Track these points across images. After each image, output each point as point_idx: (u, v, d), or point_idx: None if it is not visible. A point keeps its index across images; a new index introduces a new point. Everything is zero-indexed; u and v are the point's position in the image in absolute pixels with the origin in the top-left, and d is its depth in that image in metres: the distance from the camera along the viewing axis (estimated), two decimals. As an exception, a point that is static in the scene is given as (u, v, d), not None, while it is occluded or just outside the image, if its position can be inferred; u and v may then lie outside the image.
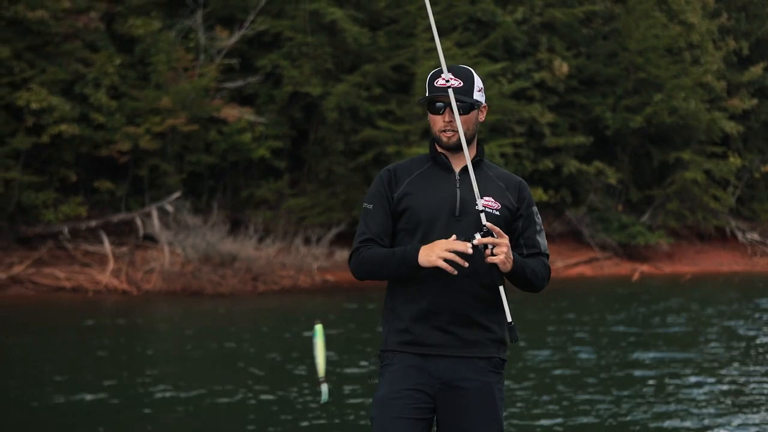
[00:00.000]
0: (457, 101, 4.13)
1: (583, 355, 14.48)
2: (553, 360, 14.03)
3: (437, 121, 4.20)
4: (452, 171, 4.23)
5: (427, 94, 4.22)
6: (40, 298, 23.93)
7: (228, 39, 29.07)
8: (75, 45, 26.86)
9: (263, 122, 28.63)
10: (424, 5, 25.13)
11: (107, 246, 26.04)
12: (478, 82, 4.21)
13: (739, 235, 37.34)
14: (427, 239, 4.09)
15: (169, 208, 26.79)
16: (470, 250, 3.95)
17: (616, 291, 26.88)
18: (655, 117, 34.82)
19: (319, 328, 4.21)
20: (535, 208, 4.29)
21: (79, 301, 23.54)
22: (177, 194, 27.15)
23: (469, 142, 4.20)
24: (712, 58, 37.18)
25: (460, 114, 4.13)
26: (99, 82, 26.77)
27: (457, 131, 4.15)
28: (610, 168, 34.83)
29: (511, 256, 4.05)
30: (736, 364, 13.55)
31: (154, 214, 26.65)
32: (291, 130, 30.03)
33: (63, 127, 25.68)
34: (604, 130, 35.26)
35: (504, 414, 4.22)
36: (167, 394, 11.52)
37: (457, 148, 4.20)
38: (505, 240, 4.02)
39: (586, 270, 32.89)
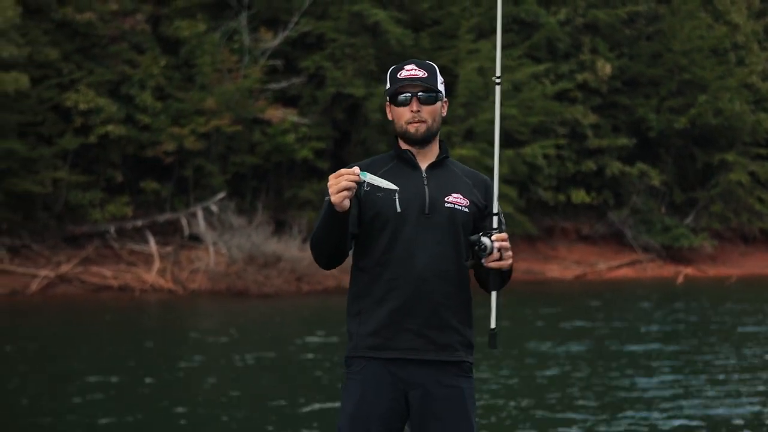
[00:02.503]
0: (423, 90, 4.07)
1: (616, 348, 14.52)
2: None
3: (403, 113, 4.07)
4: (418, 168, 4.10)
5: (388, 88, 4.12)
6: (87, 296, 24.28)
7: (272, 40, 29.31)
8: (121, 47, 27.24)
9: (306, 123, 28.82)
10: (467, 6, 24.96)
11: (153, 245, 26.37)
12: (440, 76, 4.14)
13: (784, 238, 37.03)
14: (397, 238, 3.99)
15: (214, 208, 27.06)
16: (358, 172, 3.76)
17: (666, 292, 26.79)
18: (700, 118, 34.62)
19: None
20: (500, 206, 4.15)
21: (126, 300, 23.88)
22: (222, 194, 27.41)
23: (433, 136, 4.12)
24: (758, 58, 36.90)
25: (425, 104, 4.06)
26: (144, 84, 27.11)
27: (425, 121, 4.06)
28: (653, 169, 34.69)
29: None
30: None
31: (200, 214, 26.93)
32: (334, 131, 30.20)
33: (110, 127, 26.07)
34: (648, 131, 35.11)
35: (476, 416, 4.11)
36: (203, 387, 11.71)
37: (424, 141, 4.10)
38: (509, 245, 3.97)
39: (628, 272, 32.76)
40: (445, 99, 4.17)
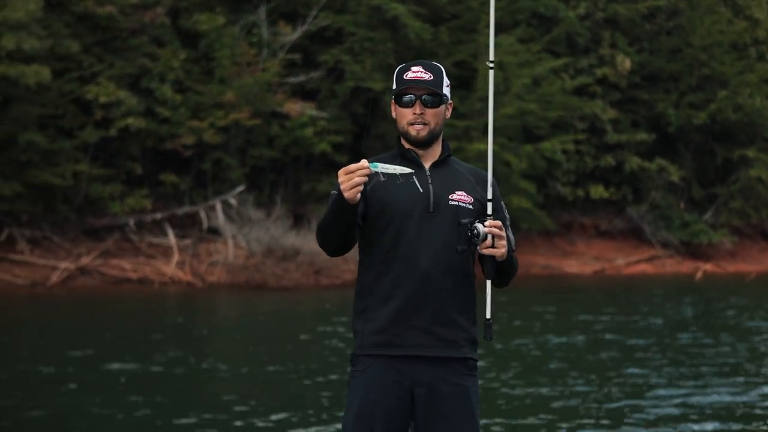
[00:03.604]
0: (428, 94, 4.08)
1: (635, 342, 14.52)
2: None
3: (406, 114, 4.11)
4: (422, 167, 4.13)
5: (394, 87, 4.15)
6: (107, 288, 24.42)
7: (291, 34, 29.37)
8: (141, 40, 27.36)
9: (325, 117, 28.87)
10: (486, 0, 24.84)
11: (172, 238, 26.48)
12: (446, 78, 4.15)
13: (804, 234, 36.85)
14: (401, 235, 4.02)
15: (233, 201, 27.15)
16: (367, 165, 3.79)
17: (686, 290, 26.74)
18: (720, 114, 34.48)
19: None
20: (503, 203, 4.19)
21: (145, 292, 23.99)
22: (241, 188, 27.50)
23: (435, 138, 4.14)
24: (778, 54, 36.72)
25: (429, 107, 4.10)
26: (164, 77, 27.22)
27: (427, 124, 4.09)
28: (672, 165, 34.57)
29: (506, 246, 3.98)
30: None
31: (218, 207, 27.03)
32: (352, 125, 30.23)
33: (130, 120, 26.19)
34: (667, 126, 34.99)
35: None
36: (219, 370, 11.78)
37: (425, 144, 4.13)
38: (503, 233, 3.98)
39: (647, 268, 32.68)
40: (450, 101, 4.19)
